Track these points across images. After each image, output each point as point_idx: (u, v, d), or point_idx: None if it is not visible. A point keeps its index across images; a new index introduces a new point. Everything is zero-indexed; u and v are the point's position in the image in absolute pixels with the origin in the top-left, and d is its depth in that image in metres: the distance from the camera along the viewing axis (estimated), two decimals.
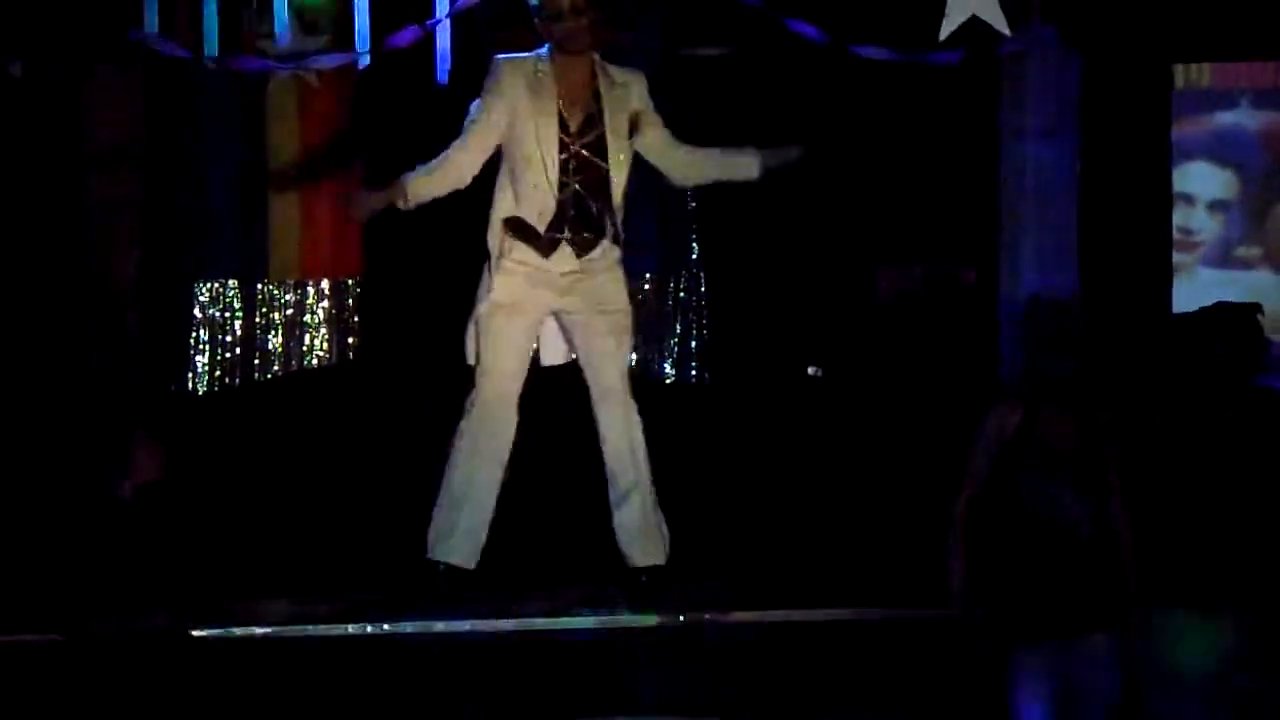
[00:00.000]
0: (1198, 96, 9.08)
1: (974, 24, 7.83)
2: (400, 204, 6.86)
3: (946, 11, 7.68)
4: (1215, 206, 9.14)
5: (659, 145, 7.03)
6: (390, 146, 8.57)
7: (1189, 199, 9.12)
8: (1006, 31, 7.80)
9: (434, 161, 6.91)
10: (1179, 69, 9.01)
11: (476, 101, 6.98)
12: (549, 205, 6.87)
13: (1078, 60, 8.50)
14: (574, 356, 7.13)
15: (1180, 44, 8.85)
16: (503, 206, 6.94)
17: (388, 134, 8.62)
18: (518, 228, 6.91)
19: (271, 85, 8.57)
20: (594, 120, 6.91)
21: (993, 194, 8.64)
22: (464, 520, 6.95)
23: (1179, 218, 9.07)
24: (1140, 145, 8.90)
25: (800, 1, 7.84)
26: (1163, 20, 8.62)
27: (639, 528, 7.04)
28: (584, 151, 6.89)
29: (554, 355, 7.20)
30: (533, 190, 6.87)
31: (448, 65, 8.09)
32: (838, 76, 8.49)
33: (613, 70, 7.01)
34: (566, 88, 6.90)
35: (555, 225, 6.90)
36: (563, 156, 6.87)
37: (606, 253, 6.99)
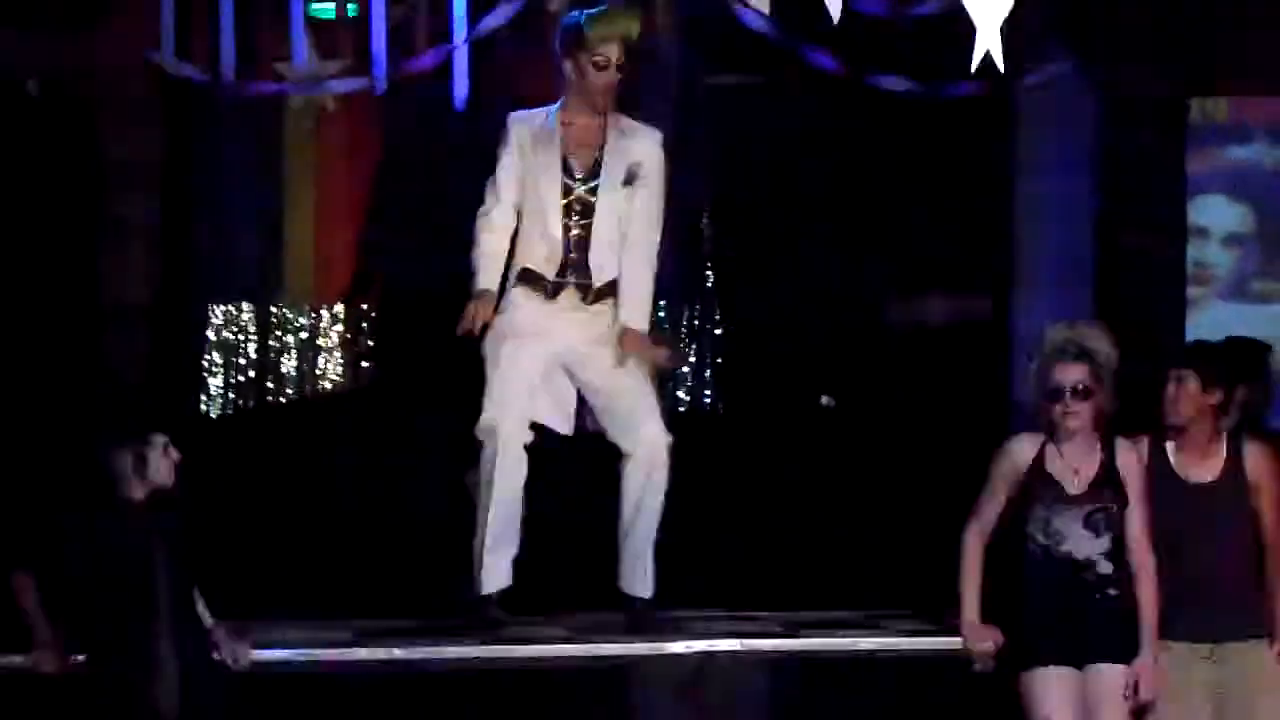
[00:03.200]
0: (1214, 131, 9.08)
1: (991, 56, 7.84)
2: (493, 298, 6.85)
3: (977, 42, 7.68)
4: (1230, 240, 9.14)
5: (636, 209, 6.91)
6: (406, 170, 8.61)
7: (1204, 232, 9.11)
8: (1001, 68, 7.80)
9: (477, 253, 6.86)
10: (1195, 103, 9.01)
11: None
12: (556, 251, 6.83)
13: (1094, 94, 8.50)
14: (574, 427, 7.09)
15: (1197, 79, 8.86)
16: (518, 254, 6.90)
17: (404, 158, 8.64)
18: (526, 277, 6.88)
19: (288, 107, 8.55)
20: (598, 165, 6.85)
21: (1008, 226, 8.64)
22: (507, 549, 6.93)
23: (1194, 251, 9.07)
24: (1156, 179, 8.89)
25: (821, 32, 7.85)
26: (1179, 55, 8.63)
27: (630, 565, 7.01)
28: (587, 196, 6.84)
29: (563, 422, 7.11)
30: (539, 239, 6.84)
31: (465, 90, 8.11)
32: (856, 107, 8.50)
33: (625, 121, 6.93)
34: (575, 134, 6.84)
35: (560, 270, 6.86)
36: (566, 200, 6.82)
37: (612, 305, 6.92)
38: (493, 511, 6.85)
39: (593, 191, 6.81)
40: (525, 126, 6.86)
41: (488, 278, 6.85)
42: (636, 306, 6.88)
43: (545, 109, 6.88)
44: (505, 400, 6.81)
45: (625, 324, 6.84)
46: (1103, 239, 8.70)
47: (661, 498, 6.87)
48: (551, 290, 6.86)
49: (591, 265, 6.84)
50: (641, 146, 6.86)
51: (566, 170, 6.81)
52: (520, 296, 6.89)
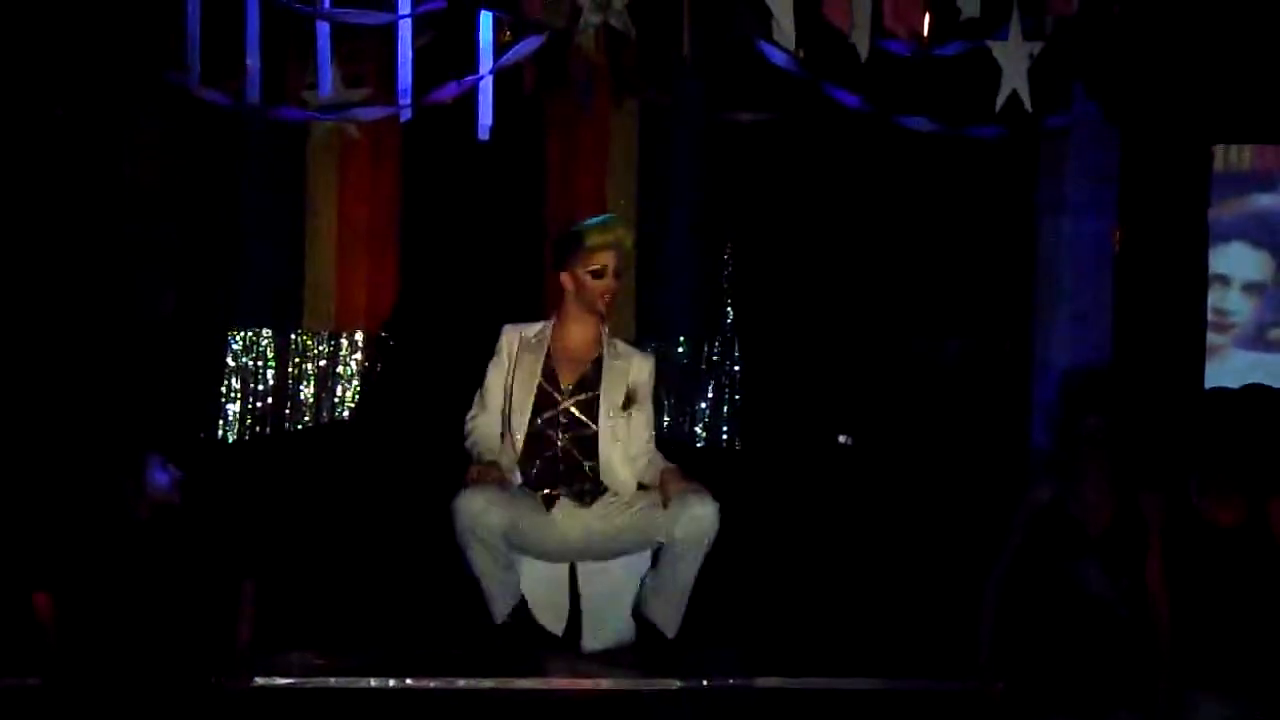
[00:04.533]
0: (1237, 178, 9.08)
1: (1016, 99, 7.84)
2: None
3: (1002, 84, 7.70)
4: (1250, 288, 9.13)
5: (634, 430, 7.00)
6: (429, 200, 8.62)
7: (1224, 280, 9.11)
8: (1029, 108, 7.82)
9: (472, 445, 6.97)
10: (1219, 150, 9.01)
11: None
12: (529, 461, 6.90)
13: (1118, 138, 8.51)
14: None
15: (1221, 125, 8.86)
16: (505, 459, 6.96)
17: (427, 187, 8.64)
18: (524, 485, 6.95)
19: (312, 136, 8.57)
20: (589, 382, 6.93)
21: (1029, 268, 8.64)
22: (507, 576, 6.94)
23: (1214, 298, 9.06)
24: (1178, 225, 8.89)
25: (843, 70, 7.86)
26: (1204, 101, 8.62)
27: (666, 605, 7.02)
28: (574, 410, 6.92)
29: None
30: (515, 447, 6.91)
31: (489, 121, 8.12)
32: (877, 146, 8.50)
33: (620, 344, 7.09)
34: (565, 348, 6.97)
35: (549, 481, 6.92)
36: (551, 413, 6.89)
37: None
38: (473, 571, 6.89)
39: (581, 407, 6.89)
40: (516, 335, 6.97)
41: (489, 455, 6.92)
42: (664, 465, 6.96)
43: (540, 323, 6.99)
44: (473, 492, 6.80)
45: (665, 469, 6.90)
46: (1123, 284, 8.69)
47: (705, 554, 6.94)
48: (546, 502, 6.93)
49: (604, 480, 6.90)
50: (637, 369, 6.99)
51: (552, 381, 6.89)
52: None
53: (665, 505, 6.87)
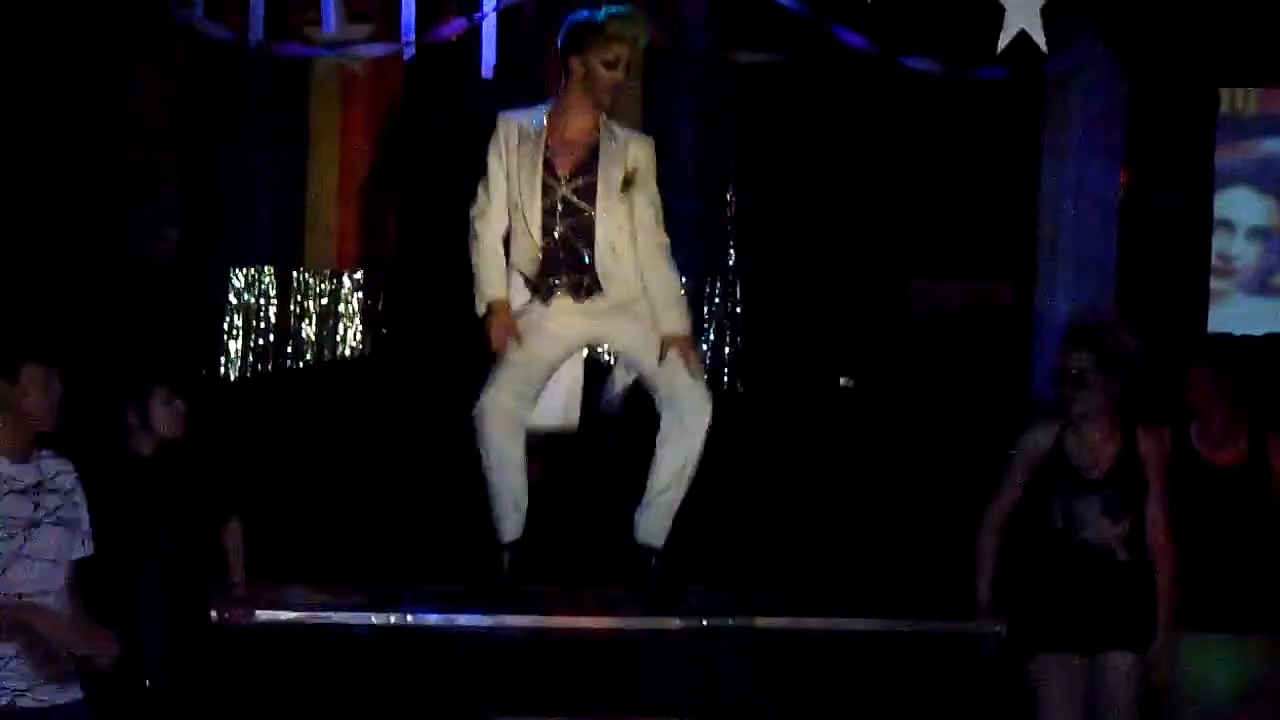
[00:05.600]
0: (1243, 123, 9.06)
1: (1023, 41, 7.82)
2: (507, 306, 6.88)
3: (1005, 24, 7.67)
4: (1255, 233, 9.12)
5: (639, 216, 6.93)
6: (432, 138, 8.60)
7: (1229, 225, 9.11)
8: (1044, 48, 7.79)
9: (475, 254, 6.87)
10: (1225, 95, 8.98)
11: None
12: (534, 250, 6.85)
13: (1124, 82, 8.48)
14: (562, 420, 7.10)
15: (1228, 69, 8.83)
16: (511, 254, 6.92)
17: (430, 125, 8.63)
18: (522, 280, 6.90)
19: (314, 72, 8.55)
20: (587, 167, 6.85)
21: (1033, 212, 8.62)
22: (514, 507, 6.93)
23: (1219, 243, 9.06)
24: (1183, 169, 8.87)
25: (849, 11, 7.84)
26: (1212, 45, 8.59)
27: (652, 517, 6.99)
28: (573, 197, 6.84)
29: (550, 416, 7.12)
30: (522, 236, 6.86)
31: (493, 59, 8.10)
32: (883, 88, 8.48)
33: (617, 128, 6.94)
34: (562, 135, 6.84)
35: (548, 269, 6.87)
36: (549, 201, 6.83)
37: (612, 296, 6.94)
38: (491, 479, 6.88)
39: (579, 193, 6.82)
40: (513, 124, 6.88)
41: (493, 286, 6.86)
42: (674, 311, 6.89)
43: (537, 107, 6.89)
44: (499, 383, 6.81)
45: (670, 332, 6.85)
46: (1127, 228, 8.68)
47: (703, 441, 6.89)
48: (545, 293, 6.87)
49: (598, 270, 6.84)
50: (635, 150, 6.87)
51: (550, 171, 6.81)
52: (518, 298, 6.92)
53: (659, 360, 6.84)
